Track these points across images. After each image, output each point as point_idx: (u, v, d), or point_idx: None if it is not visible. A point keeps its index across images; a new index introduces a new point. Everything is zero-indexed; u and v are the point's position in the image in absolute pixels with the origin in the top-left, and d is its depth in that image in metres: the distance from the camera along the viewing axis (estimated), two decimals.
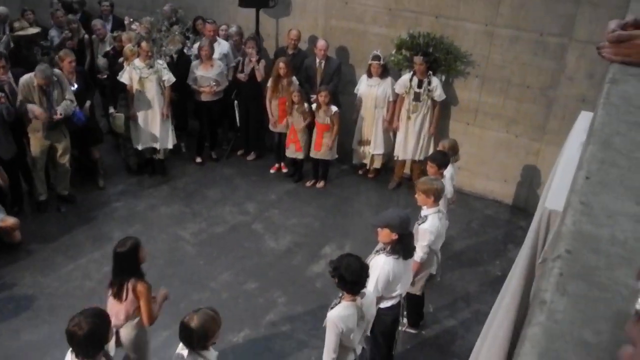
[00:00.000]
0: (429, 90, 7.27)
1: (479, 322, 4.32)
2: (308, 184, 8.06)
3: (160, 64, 7.46)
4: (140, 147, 7.77)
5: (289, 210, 7.49)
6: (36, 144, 6.77)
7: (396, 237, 4.14)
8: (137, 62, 7.37)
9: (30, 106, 6.41)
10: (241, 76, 7.97)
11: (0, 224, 6.14)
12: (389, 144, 7.94)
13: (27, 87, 6.44)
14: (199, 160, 8.52)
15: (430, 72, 7.24)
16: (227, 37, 8.53)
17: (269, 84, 7.74)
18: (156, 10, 8.48)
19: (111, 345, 4.04)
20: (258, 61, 7.84)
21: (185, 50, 8.16)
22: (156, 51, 7.50)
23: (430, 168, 5.45)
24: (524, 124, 7.26)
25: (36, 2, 9.70)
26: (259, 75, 7.89)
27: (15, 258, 6.26)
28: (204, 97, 8.00)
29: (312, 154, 7.81)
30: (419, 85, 7.28)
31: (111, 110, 7.82)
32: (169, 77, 7.50)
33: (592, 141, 1.27)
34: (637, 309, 0.68)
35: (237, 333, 5.38)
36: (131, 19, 8.49)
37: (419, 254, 4.75)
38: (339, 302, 3.82)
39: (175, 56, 7.93)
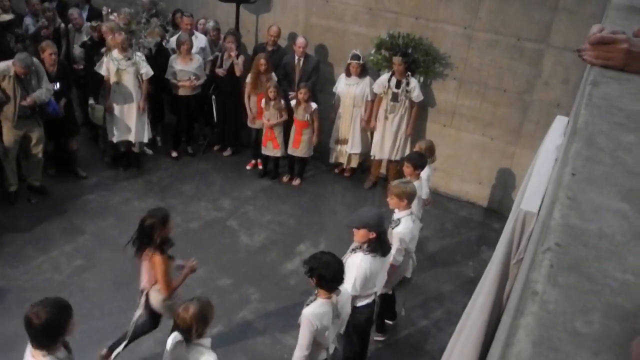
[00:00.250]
0: (407, 91, 7.30)
1: (452, 322, 4.34)
2: (285, 179, 8.05)
3: (139, 56, 7.36)
4: (115, 140, 7.65)
5: (264, 207, 7.47)
6: (9, 133, 6.60)
7: (374, 235, 4.15)
8: (115, 53, 7.25)
9: None
10: (220, 71, 7.91)
11: None
12: (366, 144, 7.96)
13: (1, 75, 6.29)
14: (174, 154, 8.43)
15: (409, 73, 7.28)
16: (205, 32, 8.46)
17: (249, 79, 7.69)
18: (136, 1, 8.37)
19: (141, 304, 4.52)
20: (237, 56, 7.79)
21: (164, 44, 8.06)
22: (135, 43, 7.39)
23: (407, 168, 5.47)
24: (499, 127, 7.35)
25: None
26: (238, 71, 7.83)
27: None
28: (182, 92, 7.90)
29: (290, 151, 7.79)
30: (397, 86, 7.31)
31: (91, 101, 7.66)
32: (147, 70, 7.40)
33: (576, 139, 1.29)
34: None
35: (210, 329, 5.32)
36: (109, 10, 8.36)
37: (395, 257, 4.76)
38: (315, 300, 3.81)
39: (153, 49, 7.83)
